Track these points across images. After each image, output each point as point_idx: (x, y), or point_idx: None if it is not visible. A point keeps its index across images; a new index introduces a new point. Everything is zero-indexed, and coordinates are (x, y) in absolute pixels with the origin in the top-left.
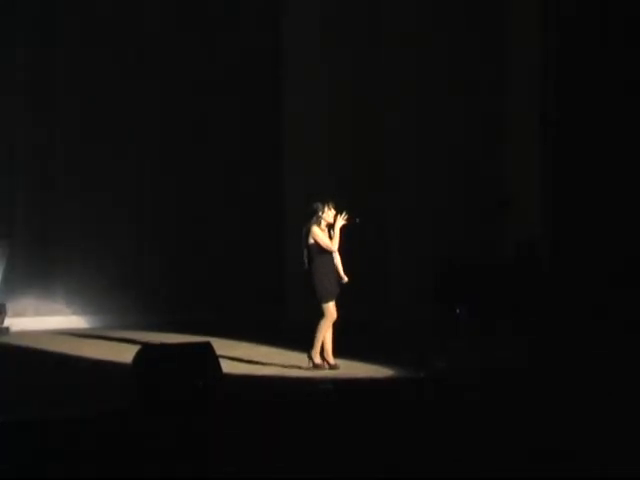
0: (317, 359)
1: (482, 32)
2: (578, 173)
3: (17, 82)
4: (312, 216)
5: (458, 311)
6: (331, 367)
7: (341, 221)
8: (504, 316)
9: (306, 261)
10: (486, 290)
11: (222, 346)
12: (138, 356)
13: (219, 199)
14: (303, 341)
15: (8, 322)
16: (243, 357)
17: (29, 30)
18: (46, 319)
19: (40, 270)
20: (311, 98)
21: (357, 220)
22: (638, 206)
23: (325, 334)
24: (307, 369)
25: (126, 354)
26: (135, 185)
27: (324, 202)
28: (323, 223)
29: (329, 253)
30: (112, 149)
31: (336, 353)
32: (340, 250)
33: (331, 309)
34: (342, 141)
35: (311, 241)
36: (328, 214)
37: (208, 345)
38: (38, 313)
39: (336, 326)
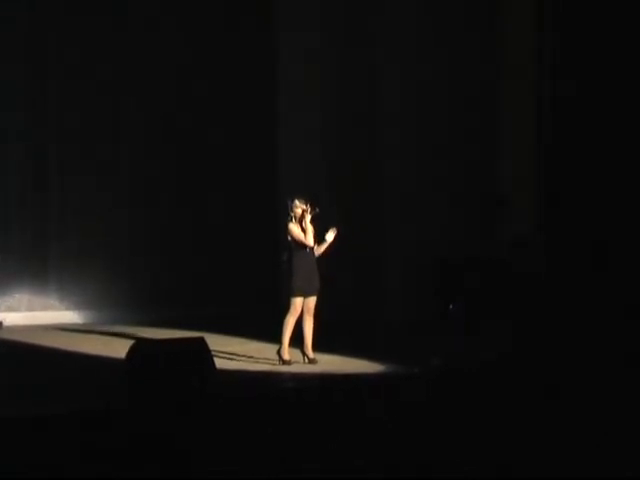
0: (285, 355)
1: (480, 32)
2: (575, 172)
3: (15, 83)
4: (287, 213)
5: (452, 308)
6: (310, 361)
7: (308, 215)
8: (497, 314)
9: (285, 258)
10: (479, 288)
11: (215, 342)
12: (131, 351)
13: (213, 197)
14: (297, 337)
15: (1, 317)
16: (237, 353)
17: (25, 31)
18: (39, 314)
19: (33, 265)
20: (308, 98)
21: (317, 210)
22: (636, 205)
23: (290, 329)
24: (279, 366)
25: (119, 349)
26: (130, 182)
27: (292, 198)
28: (295, 219)
29: (306, 249)
30: (109, 148)
31: (329, 350)
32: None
33: (297, 304)
34: (339, 140)
35: (289, 238)
36: (297, 210)
37: (202, 341)
38: (31, 308)
39: (318, 321)
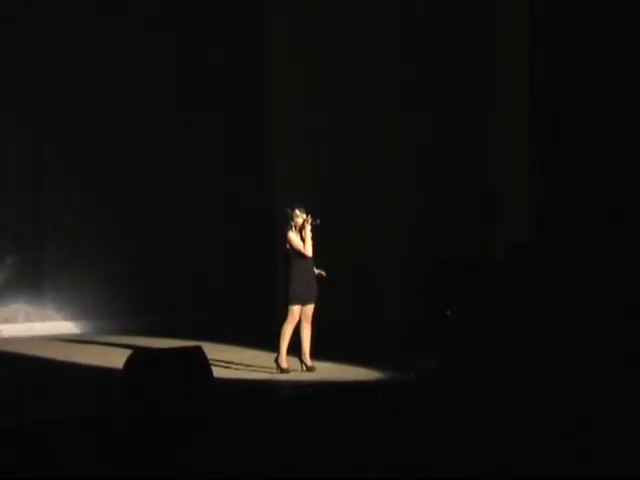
0: (283, 363)
1: (480, 32)
2: (575, 172)
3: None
4: (287, 222)
5: (448, 312)
6: (308, 369)
7: (308, 225)
8: (497, 315)
9: (283, 266)
10: (475, 291)
11: (213, 350)
12: (129, 361)
13: (209, 203)
14: (295, 345)
15: None
16: (234, 361)
17: (25, 31)
18: (36, 325)
19: (30, 276)
20: (307, 98)
21: (317, 221)
22: (635, 204)
23: (288, 337)
24: (277, 374)
25: (117, 359)
26: (127, 193)
27: (292, 207)
28: (295, 228)
29: (305, 257)
30: (103, 153)
31: (327, 358)
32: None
33: (295, 312)
34: (336, 142)
35: (287, 246)
36: (297, 219)
37: (199, 349)
38: (28, 319)
39: (316, 326)
